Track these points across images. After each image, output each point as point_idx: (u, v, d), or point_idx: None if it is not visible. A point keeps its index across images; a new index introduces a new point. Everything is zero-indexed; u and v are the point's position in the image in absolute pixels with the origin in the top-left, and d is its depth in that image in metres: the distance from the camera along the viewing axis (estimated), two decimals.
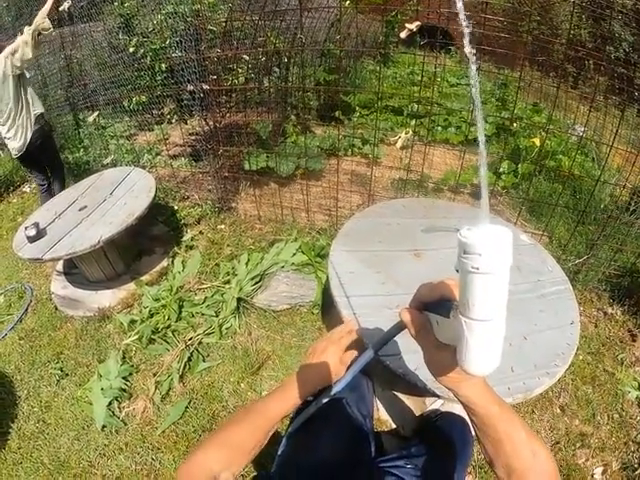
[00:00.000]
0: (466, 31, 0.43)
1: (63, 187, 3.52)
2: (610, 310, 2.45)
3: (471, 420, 0.68)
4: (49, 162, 3.40)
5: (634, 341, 2.28)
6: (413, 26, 2.24)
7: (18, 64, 2.83)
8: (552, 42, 5.26)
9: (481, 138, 0.43)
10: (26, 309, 2.75)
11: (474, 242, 0.43)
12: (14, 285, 3.00)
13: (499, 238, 0.43)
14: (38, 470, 1.83)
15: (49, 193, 3.49)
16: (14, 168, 4.83)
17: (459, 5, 0.44)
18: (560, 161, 3.74)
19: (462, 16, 0.43)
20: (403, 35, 2.31)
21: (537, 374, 1.29)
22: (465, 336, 0.50)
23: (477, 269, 0.44)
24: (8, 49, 2.83)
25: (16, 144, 3.07)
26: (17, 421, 2.05)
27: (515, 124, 4.26)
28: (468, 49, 0.43)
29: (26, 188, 4.67)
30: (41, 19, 2.83)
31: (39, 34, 2.86)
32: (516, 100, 2.88)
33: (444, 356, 0.61)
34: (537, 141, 3.58)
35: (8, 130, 3.01)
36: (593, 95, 3.11)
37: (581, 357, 2.16)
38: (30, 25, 2.82)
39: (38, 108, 3.13)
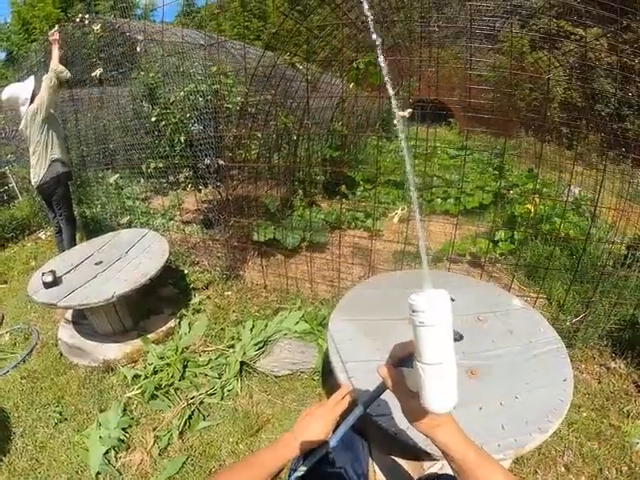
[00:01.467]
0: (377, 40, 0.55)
1: (73, 240, 3.70)
2: (613, 364, 2.45)
3: (452, 469, 0.74)
4: (57, 208, 3.60)
5: None
6: (405, 113, 2.48)
7: (43, 108, 3.25)
8: (544, 108, 5.58)
9: (416, 207, 0.59)
10: (31, 350, 2.80)
11: (418, 302, 0.58)
12: (21, 326, 3.08)
13: (437, 299, 0.58)
14: None
15: (61, 236, 3.71)
16: (31, 213, 5.09)
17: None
18: (555, 224, 3.87)
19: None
20: (396, 122, 2.52)
21: (528, 430, 1.31)
22: (422, 378, 0.63)
23: (422, 323, 0.58)
24: (43, 91, 3.24)
25: (33, 175, 3.47)
26: (9, 456, 2.04)
27: (511, 191, 4.45)
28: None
29: (41, 235, 4.88)
30: (55, 65, 3.24)
31: (57, 79, 3.25)
32: (505, 168, 3.03)
33: (416, 404, 0.70)
34: (531, 207, 3.75)
35: (32, 158, 3.44)
36: (574, 157, 3.26)
37: (585, 414, 2.14)
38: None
39: (56, 154, 3.45)
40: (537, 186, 4.59)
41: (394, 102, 0.58)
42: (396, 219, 3.33)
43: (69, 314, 3.07)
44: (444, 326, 0.58)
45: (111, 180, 4.26)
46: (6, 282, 3.87)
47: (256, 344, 2.58)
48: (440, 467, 1.77)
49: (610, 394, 2.28)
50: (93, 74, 3.93)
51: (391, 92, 0.58)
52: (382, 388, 0.86)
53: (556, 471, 1.89)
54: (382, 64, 0.58)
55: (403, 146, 0.59)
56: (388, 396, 0.88)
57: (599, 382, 2.37)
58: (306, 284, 3.32)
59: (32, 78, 3.40)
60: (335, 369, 1.62)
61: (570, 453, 1.96)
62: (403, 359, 0.76)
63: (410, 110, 2.51)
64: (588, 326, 2.58)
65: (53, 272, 2.60)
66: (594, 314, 2.61)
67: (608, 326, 2.57)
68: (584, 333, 2.57)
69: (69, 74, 3.36)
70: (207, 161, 3.30)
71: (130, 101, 4.21)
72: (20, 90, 3.36)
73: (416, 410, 0.72)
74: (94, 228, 4.40)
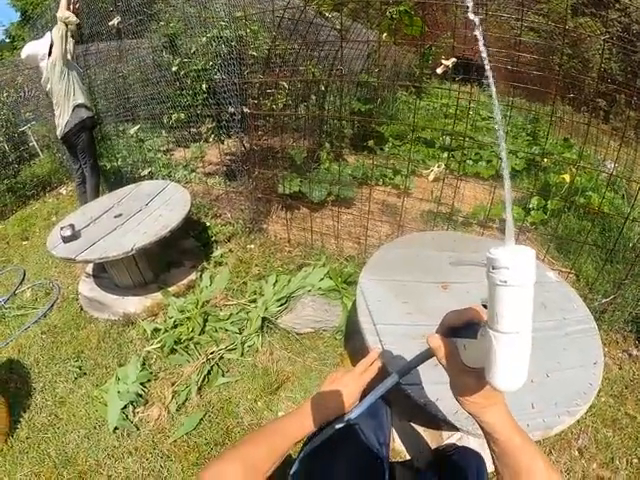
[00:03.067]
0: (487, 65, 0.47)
1: (97, 190, 3.73)
2: (635, 352, 2.38)
3: (491, 450, 0.69)
4: (82, 157, 3.62)
5: None
6: (449, 62, 2.31)
7: (60, 57, 3.22)
8: (583, 77, 5.26)
9: (505, 165, 0.49)
10: (52, 305, 2.85)
11: (502, 257, 0.48)
12: (42, 281, 3.12)
13: (524, 254, 0.47)
14: (43, 462, 1.85)
15: (84, 187, 3.75)
16: (52, 170, 5.15)
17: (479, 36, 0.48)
18: (590, 198, 3.70)
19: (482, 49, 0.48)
20: (439, 71, 2.37)
21: (557, 412, 1.27)
22: (494, 350, 0.53)
23: (505, 282, 0.48)
24: (55, 41, 3.20)
25: (58, 126, 3.49)
26: (29, 411, 2.09)
27: (545, 159, 4.24)
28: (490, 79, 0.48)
29: (62, 190, 4.93)
30: (60, 12, 3.15)
31: (66, 25, 3.18)
32: (547, 135, 2.88)
33: (470, 380, 0.64)
34: (567, 177, 3.56)
35: (55, 109, 3.45)
36: (624, 131, 3.06)
37: (603, 399, 2.10)
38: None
39: (79, 99, 3.44)
40: (575, 156, 4.37)
41: (482, 47, 0.47)
42: (431, 177, 3.18)
43: (89, 268, 3.08)
44: (529, 288, 0.49)
45: (132, 131, 4.18)
46: (28, 238, 3.92)
47: (278, 300, 2.54)
48: (459, 438, 1.77)
49: (629, 382, 2.22)
50: (110, 23, 3.80)
51: (479, 35, 0.48)
52: (423, 358, 0.78)
53: (570, 454, 1.87)
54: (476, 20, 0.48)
55: (495, 108, 0.48)
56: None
57: (620, 368, 2.30)
58: (331, 240, 3.25)
59: (48, 33, 3.35)
60: (365, 331, 1.56)
61: (585, 437, 1.93)
62: (457, 329, 0.66)
63: (454, 59, 2.33)
64: (616, 309, 2.49)
65: (72, 226, 2.58)
66: (623, 297, 2.50)
67: (635, 312, 2.47)
68: (611, 315, 2.48)
69: (75, 18, 3.24)
70: (231, 109, 3.18)
71: (150, 52, 4.07)
72: (38, 46, 3.34)
73: (469, 388, 0.65)
74: (115, 181, 4.37)
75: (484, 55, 0.48)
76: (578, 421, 1.96)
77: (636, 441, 1.92)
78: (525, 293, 0.49)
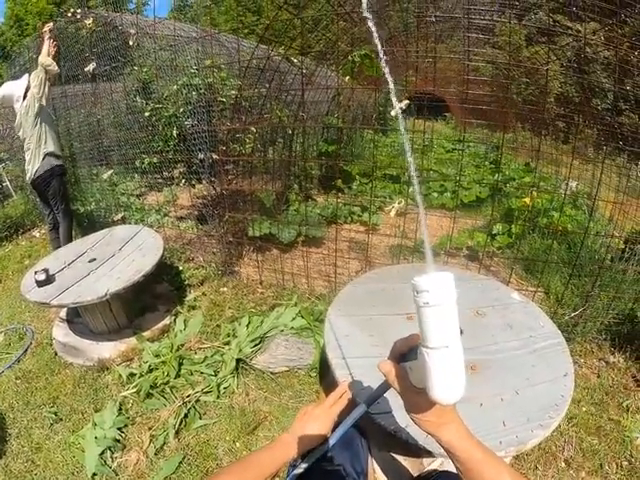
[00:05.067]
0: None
1: (69, 234, 3.69)
2: (612, 358, 2.44)
3: (456, 468, 0.71)
4: (53, 202, 3.59)
5: (639, 386, 2.26)
6: (402, 104, 2.46)
7: (35, 103, 3.25)
8: (535, 107, 5.57)
9: (419, 196, 0.57)
10: (25, 350, 2.78)
11: (422, 282, 0.55)
12: (15, 325, 3.05)
13: (441, 278, 0.55)
14: None
15: (56, 232, 3.71)
16: (26, 212, 5.09)
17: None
18: (552, 217, 3.87)
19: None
20: (393, 114, 2.52)
21: (530, 427, 1.29)
22: (427, 366, 0.59)
23: (427, 303, 0.55)
24: (32, 86, 3.24)
25: (28, 171, 3.48)
26: (5, 457, 2.02)
27: (507, 185, 4.44)
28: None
29: (35, 233, 4.86)
30: (42, 59, 3.20)
31: (46, 72, 3.23)
32: (499, 162, 3.04)
33: (420, 400, 0.68)
34: (528, 200, 3.73)
35: (26, 154, 3.45)
36: (573, 151, 3.25)
37: (584, 409, 2.13)
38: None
39: (49, 148, 3.44)
40: (535, 180, 4.61)
41: (393, 93, 0.56)
42: (393, 213, 3.32)
43: (63, 313, 3.03)
44: (449, 306, 0.56)
45: (105, 176, 4.21)
46: (0, 281, 3.83)
47: (252, 340, 2.55)
48: (440, 463, 1.76)
49: (609, 388, 2.27)
50: (86, 69, 3.90)
51: (391, 85, 0.56)
52: (385, 387, 0.84)
53: (557, 466, 1.88)
54: (383, 60, 0.58)
55: (403, 137, 0.57)
56: (387, 393, 0.86)
57: (598, 376, 2.36)
58: (302, 279, 3.29)
59: (26, 75, 3.39)
60: (333, 366, 1.59)
61: (570, 448, 1.95)
62: (405, 354, 0.73)
63: (407, 102, 2.48)
64: (587, 320, 2.57)
65: (46, 270, 2.57)
66: (593, 308, 2.60)
67: (607, 320, 2.56)
68: (583, 327, 2.56)
69: (56, 67, 3.31)
70: (201, 156, 3.26)
71: (123, 97, 4.17)
72: (14, 88, 3.37)
73: (420, 407, 0.69)
74: (88, 225, 4.36)
75: (379, 51, 0.56)
76: (561, 433, 1.99)
77: (623, 444, 1.95)
78: (446, 311, 0.56)
